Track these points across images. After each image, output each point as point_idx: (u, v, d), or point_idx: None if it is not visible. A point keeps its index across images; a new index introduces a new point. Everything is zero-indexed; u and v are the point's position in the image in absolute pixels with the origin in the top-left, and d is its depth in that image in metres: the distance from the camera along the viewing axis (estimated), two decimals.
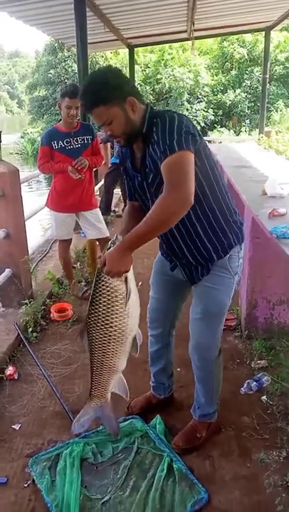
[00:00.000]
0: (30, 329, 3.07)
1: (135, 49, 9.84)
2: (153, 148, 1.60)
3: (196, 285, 1.89)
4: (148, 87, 17.72)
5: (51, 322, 3.30)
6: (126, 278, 1.57)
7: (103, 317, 1.58)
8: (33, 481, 1.91)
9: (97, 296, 1.57)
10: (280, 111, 16.31)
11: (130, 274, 1.60)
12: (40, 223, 6.90)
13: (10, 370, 2.63)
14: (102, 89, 1.55)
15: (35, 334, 3.06)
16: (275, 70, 17.16)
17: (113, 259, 1.54)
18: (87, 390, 2.45)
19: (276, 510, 1.72)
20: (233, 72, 18.32)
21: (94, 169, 3.67)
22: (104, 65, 18.58)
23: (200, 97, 17.85)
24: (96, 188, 5.12)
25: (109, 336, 1.61)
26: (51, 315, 3.34)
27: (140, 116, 1.64)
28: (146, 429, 2.14)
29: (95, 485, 1.88)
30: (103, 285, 1.56)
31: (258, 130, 8.98)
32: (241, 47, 17.82)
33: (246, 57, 17.76)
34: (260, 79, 12.73)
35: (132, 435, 2.12)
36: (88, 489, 1.86)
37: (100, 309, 1.58)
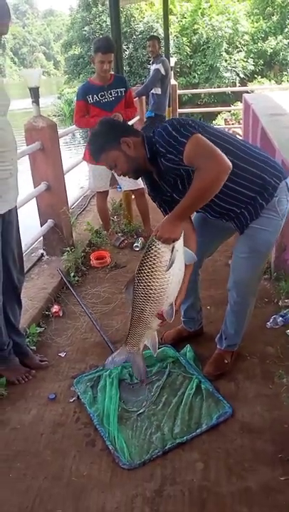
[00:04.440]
0: (72, 274, 3.33)
1: None
2: (165, 159, 1.75)
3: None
4: (184, 39, 17.05)
5: (91, 268, 3.54)
6: (173, 247, 1.69)
7: (146, 277, 1.71)
8: (78, 397, 2.19)
9: (146, 258, 1.72)
10: None
11: (179, 247, 1.71)
12: (78, 181, 7.12)
13: (55, 308, 2.92)
14: (98, 141, 1.87)
15: (76, 278, 3.32)
16: None
17: (164, 226, 1.69)
18: (124, 325, 2.72)
19: None
20: (275, 18, 17.28)
21: (128, 122, 3.76)
22: (139, 18, 18.01)
23: (239, 46, 17.05)
24: None
25: (149, 296, 1.73)
26: (91, 262, 3.58)
27: (140, 147, 1.82)
28: (177, 356, 2.37)
29: (131, 400, 2.14)
30: (152, 248, 1.69)
31: None
32: None
33: None
34: None
35: (165, 361, 2.35)
36: (125, 403, 2.12)
37: (145, 270, 1.71)
